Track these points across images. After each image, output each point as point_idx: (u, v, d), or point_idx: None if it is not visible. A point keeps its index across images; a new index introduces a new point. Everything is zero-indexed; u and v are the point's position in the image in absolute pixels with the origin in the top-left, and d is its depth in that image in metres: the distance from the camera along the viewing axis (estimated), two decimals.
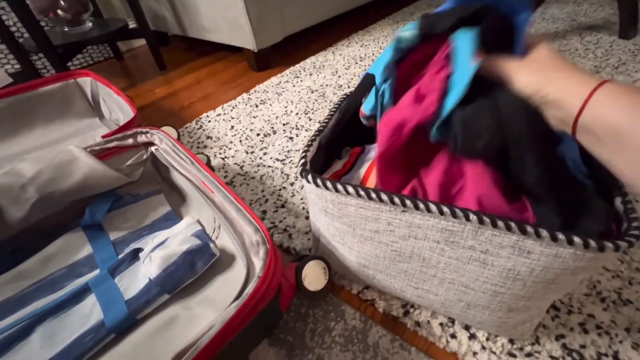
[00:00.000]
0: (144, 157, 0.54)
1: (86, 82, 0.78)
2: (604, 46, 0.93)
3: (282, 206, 0.53)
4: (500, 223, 0.24)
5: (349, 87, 0.87)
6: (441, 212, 0.25)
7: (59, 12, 0.89)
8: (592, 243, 0.22)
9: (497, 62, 0.26)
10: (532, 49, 0.26)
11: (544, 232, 0.23)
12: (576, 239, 0.22)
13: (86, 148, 0.49)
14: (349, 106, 0.31)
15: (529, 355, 0.33)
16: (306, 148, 0.33)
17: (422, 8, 1.45)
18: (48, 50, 0.83)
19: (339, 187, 0.29)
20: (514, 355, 0.33)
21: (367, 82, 0.32)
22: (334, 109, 0.38)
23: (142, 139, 0.52)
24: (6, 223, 0.44)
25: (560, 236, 0.22)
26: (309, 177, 0.30)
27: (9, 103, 0.71)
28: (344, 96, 0.40)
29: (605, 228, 0.24)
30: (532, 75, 0.24)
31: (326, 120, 0.37)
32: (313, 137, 0.34)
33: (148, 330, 0.38)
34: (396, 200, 0.27)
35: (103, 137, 0.52)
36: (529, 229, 0.23)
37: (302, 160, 0.32)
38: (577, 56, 0.90)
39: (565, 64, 0.24)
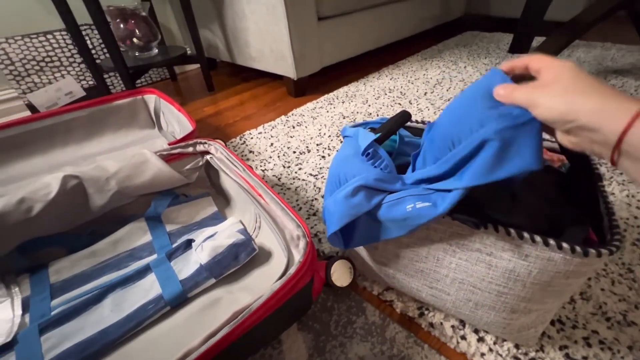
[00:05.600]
0: (200, 163, 0.63)
1: (151, 98, 0.91)
2: (628, 90, 0.96)
3: (314, 214, 0.60)
4: (501, 229, 0.29)
5: (377, 115, 0.95)
6: (452, 218, 0.31)
7: (135, 40, 1.05)
8: (578, 249, 0.27)
9: (517, 89, 0.25)
10: (553, 71, 0.25)
11: (538, 238, 0.28)
12: (565, 245, 0.27)
13: (156, 152, 0.59)
14: (383, 134, 0.38)
15: None
16: None
17: (450, 47, 1.54)
18: (123, 71, 0.98)
19: None
20: (519, 359, 0.37)
21: (404, 117, 0.39)
22: None
23: (200, 148, 0.62)
24: (89, 209, 0.54)
25: (551, 242, 0.28)
26: None
27: (89, 112, 0.84)
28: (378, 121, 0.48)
29: (587, 235, 0.29)
30: (556, 99, 0.23)
31: None
32: None
33: (197, 307, 0.44)
34: None
35: (169, 144, 0.62)
36: (526, 235, 0.28)
37: None
38: None
39: (593, 84, 0.22)
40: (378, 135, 0.38)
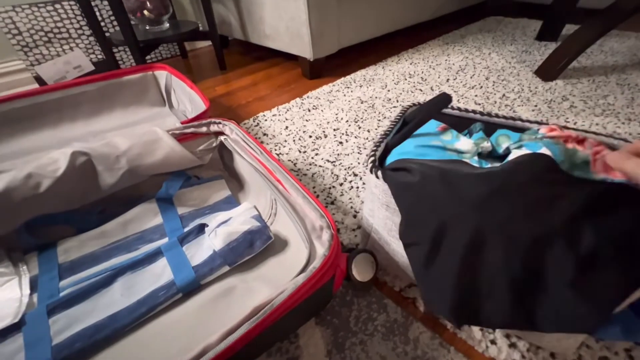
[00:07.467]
0: (214, 144, 0.60)
1: (162, 74, 0.88)
2: None
3: (332, 203, 0.57)
4: None
5: (397, 101, 0.91)
6: None
7: (145, 12, 1.01)
8: None
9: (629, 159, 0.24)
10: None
11: None
12: None
13: (168, 131, 0.56)
14: (421, 118, 0.34)
15: None
16: (375, 147, 0.37)
17: (473, 32, 1.46)
18: (133, 45, 0.94)
19: None
20: None
21: (445, 100, 0.35)
22: (400, 115, 0.42)
23: (214, 128, 0.59)
24: (99, 187, 0.51)
25: None
26: (379, 172, 0.34)
27: (99, 87, 0.81)
28: (412, 105, 0.44)
29: None
30: None
31: (392, 125, 0.40)
32: (380, 139, 0.38)
33: (210, 295, 0.42)
34: None
35: (182, 123, 0.59)
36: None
37: (372, 158, 0.35)
38: (637, 91, 0.88)
39: None
40: (416, 120, 0.34)
